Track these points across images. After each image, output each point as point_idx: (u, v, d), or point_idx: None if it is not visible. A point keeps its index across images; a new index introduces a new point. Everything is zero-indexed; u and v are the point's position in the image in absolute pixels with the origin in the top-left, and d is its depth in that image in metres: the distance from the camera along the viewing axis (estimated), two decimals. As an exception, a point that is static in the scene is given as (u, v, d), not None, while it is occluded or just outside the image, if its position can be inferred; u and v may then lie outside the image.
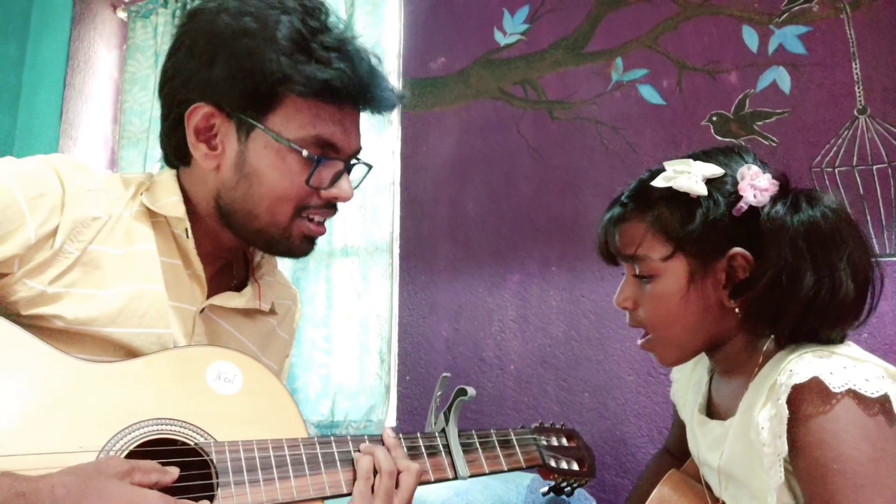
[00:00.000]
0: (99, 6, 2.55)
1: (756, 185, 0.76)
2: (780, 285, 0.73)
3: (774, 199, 0.75)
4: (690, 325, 0.80)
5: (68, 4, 2.49)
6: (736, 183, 0.77)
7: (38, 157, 0.77)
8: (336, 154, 0.84)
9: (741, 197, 0.76)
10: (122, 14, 2.59)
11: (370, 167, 0.89)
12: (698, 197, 0.77)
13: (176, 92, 0.82)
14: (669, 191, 0.79)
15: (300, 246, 0.86)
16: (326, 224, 0.90)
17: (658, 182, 0.79)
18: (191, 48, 0.81)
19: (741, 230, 0.77)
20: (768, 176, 0.76)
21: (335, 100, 0.81)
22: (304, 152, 0.80)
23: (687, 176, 0.78)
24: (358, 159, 0.88)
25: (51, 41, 2.48)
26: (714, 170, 0.78)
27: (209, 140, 0.82)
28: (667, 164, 0.81)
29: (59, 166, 0.77)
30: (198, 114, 0.80)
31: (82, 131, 2.45)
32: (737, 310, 0.77)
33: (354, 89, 0.81)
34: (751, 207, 0.76)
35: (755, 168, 0.77)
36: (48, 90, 2.44)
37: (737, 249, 0.76)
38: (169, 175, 0.87)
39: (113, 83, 2.57)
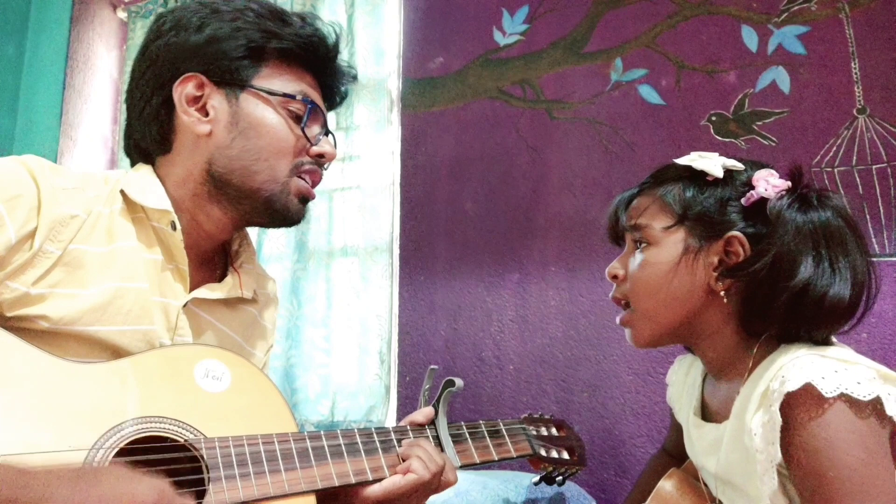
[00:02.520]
0: (98, 6, 2.55)
1: (770, 181, 0.79)
2: (774, 271, 0.74)
3: (784, 194, 0.78)
4: (669, 300, 0.81)
5: (67, 4, 2.48)
6: (751, 178, 0.80)
7: (11, 158, 0.77)
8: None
9: (753, 189, 0.79)
10: (121, 14, 2.58)
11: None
12: (713, 179, 0.81)
13: (161, 73, 0.86)
14: (687, 171, 0.83)
15: (298, 205, 0.89)
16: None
17: (681, 160, 0.84)
18: (176, 24, 0.86)
19: (745, 219, 0.79)
20: (783, 180, 0.79)
21: (312, 61, 0.90)
22: (298, 96, 0.87)
23: (708, 160, 0.82)
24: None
25: (50, 41, 2.48)
26: (735, 164, 0.82)
27: (200, 108, 0.85)
28: (692, 153, 0.85)
29: (33, 166, 0.76)
30: (188, 83, 0.85)
31: (82, 132, 2.44)
32: (723, 293, 0.78)
33: (327, 50, 0.90)
34: (760, 201, 0.78)
35: (774, 172, 0.80)
36: (47, 90, 2.44)
37: (735, 233, 0.78)
38: (147, 170, 0.88)
39: (113, 83, 2.57)
